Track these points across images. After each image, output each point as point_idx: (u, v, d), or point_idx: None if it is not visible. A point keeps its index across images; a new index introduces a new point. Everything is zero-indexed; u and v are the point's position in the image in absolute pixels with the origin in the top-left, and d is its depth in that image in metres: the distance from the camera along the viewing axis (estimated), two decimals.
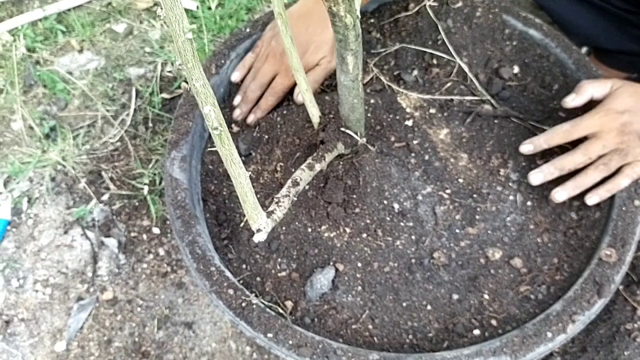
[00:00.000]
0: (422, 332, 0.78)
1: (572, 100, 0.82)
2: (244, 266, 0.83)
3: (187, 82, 1.33)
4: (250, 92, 0.95)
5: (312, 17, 0.94)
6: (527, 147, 0.82)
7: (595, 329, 0.86)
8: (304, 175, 0.73)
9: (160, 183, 1.20)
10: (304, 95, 0.81)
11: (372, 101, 0.91)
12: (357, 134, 0.81)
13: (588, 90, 0.82)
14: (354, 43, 0.67)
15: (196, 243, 0.79)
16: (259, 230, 0.62)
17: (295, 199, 0.70)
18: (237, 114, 0.96)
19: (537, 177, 0.81)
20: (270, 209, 0.65)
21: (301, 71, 0.79)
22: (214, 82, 0.94)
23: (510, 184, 0.85)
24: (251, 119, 0.95)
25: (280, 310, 0.78)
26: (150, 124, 1.27)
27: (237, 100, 0.96)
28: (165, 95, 1.29)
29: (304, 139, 0.87)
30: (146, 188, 1.19)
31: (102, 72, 1.33)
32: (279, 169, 0.89)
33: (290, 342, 0.72)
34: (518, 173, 0.86)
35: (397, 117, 0.90)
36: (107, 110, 1.28)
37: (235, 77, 0.97)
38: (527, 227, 0.82)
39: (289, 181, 0.71)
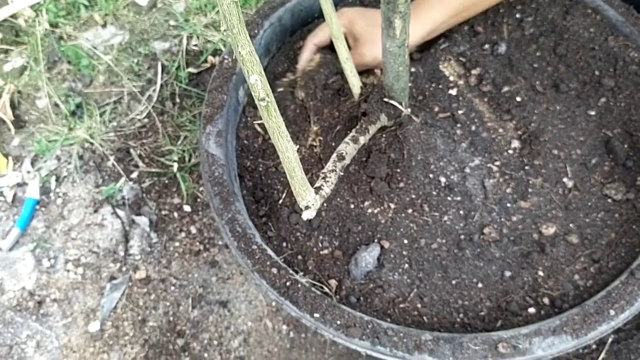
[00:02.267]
0: (474, 311, 0.74)
1: None
2: (284, 244, 0.80)
3: (213, 56, 1.29)
4: None
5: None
6: None
7: None
8: (348, 148, 0.70)
9: (189, 160, 1.17)
10: (344, 64, 0.77)
11: (412, 70, 0.87)
12: (401, 105, 0.77)
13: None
14: (403, 5, 0.63)
15: (236, 221, 0.76)
16: (307, 207, 0.59)
17: (342, 173, 0.66)
18: None
19: None
20: (317, 184, 0.62)
21: (341, 39, 0.75)
22: None
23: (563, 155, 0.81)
24: None
25: (326, 290, 0.75)
26: (178, 100, 1.24)
27: None
28: (192, 70, 1.25)
29: (344, 111, 0.83)
30: (176, 165, 1.17)
31: (126, 46, 1.29)
32: (317, 143, 0.85)
33: (339, 322, 0.69)
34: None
35: (440, 86, 0.86)
36: (134, 86, 1.24)
37: None
38: (583, 201, 0.78)
39: (334, 155, 0.67)
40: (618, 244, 0.75)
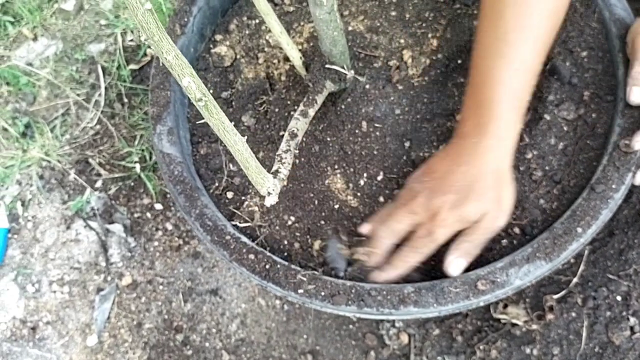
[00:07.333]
0: None
1: None
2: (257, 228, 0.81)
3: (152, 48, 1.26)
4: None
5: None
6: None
7: (618, 211, 0.85)
8: (299, 124, 0.70)
9: (151, 158, 1.16)
10: (280, 38, 0.77)
11: (349, 28, 0.87)
12: (343, 68, 0.77)
13: None
14: None
15: (205, 215, 0.76)
16: (269, 194, 0.59)
17: (297, 151, 0.67)
18: None
19: None
20: (274, 168, 0.62)
21: (272, 14, 0.74)
22: (182, 43, 0.88)
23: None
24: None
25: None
26: (126, 100, 1.22)
27: None
28: (133, 67, 1.23)
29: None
30: (138, 166, 1.16)
31: (62, 56, 1.26)
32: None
33: (323, 293, 0.71)
34: None
35: None
36: (78, 95, 1.22)
37: None
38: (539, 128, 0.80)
39: (286, 134, 0.68)
40: (576, 161, 0.77)
